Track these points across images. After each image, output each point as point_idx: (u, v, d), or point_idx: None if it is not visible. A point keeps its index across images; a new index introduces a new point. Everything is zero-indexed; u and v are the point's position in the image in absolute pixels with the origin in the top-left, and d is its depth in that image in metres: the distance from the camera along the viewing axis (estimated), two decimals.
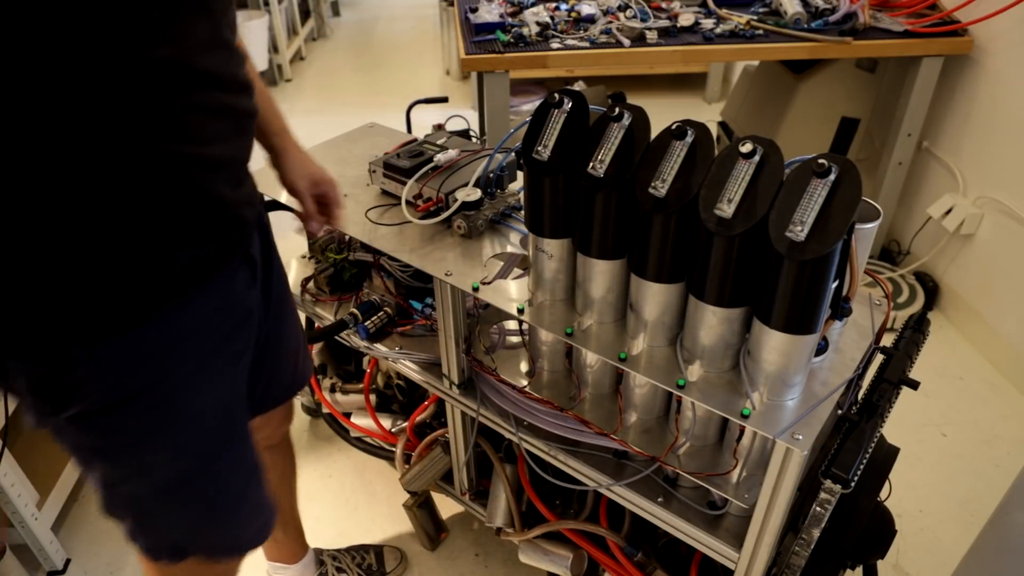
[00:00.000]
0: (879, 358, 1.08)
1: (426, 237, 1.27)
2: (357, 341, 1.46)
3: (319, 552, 1.57)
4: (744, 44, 2.14)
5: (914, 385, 1.02)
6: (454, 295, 1.20)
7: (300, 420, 2.02)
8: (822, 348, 0.98)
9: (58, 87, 0.63)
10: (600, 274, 1.00)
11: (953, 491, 1.80)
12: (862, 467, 0.90)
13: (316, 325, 1.59)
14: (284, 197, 1.44)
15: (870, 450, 0.94)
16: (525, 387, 1.19)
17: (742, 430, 0.99)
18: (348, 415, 1.74)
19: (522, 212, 1.30)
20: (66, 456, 1.68)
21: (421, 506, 1.64)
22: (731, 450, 1.02)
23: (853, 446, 0.91)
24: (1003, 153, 2.11)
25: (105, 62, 0.65)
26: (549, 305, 1.09)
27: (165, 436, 0.87)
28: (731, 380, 0.94)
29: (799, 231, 0.75)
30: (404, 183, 1.31)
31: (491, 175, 1.30)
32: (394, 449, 1.63)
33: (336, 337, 1.48)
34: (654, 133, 0.90)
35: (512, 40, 2.12)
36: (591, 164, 0.90)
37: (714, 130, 2.96)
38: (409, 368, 1.42)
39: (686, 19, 2.21)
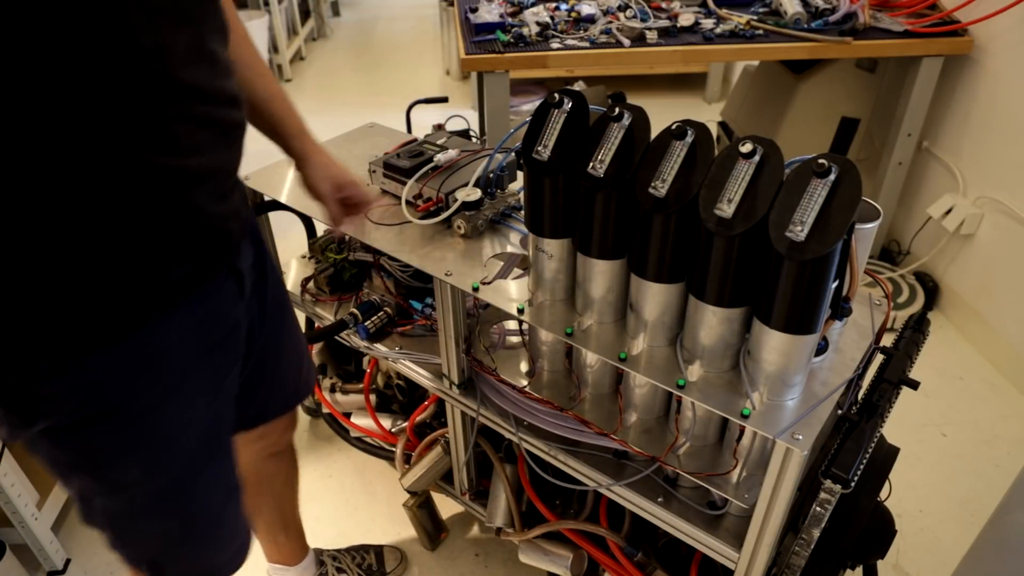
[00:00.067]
0: (879, 358, 1.08)
1: (426, 237, 1.27)
2: (357, 341, 1.46)
3: (319, 552, 1.57)
4: (744, 44, 2.14)
5: (914, 385, 1.02)
6: (454, 295, 1.20)
7: (300, 420, 2.02)
8: (822, 348, 0.98)
9: (30, 96, 0.61)
10: (600, 274, 1.00)
11: (953, 491, 1.80)
12: (862, 467, 0.90)
13: (316, 325, 1.59)
14: (296, 204, 1.44)
15: (870, 450, 0.94)
16: (525, 387, 1.19)
17: (742, 430, 0.99)
18: (348, 415, 1.74)
19: (522, 212, 1.30)
20: None
21: (421, 506, 1.64)
22: (731, 450, 1.02)
23: (853, 446, 0.91)
24: (1003, 153, 2.11)
25: (80, 73, 0.63)
26: (549, 305, 1.09)
27: (140, 454, 0.85)
28: (731, 380, 0.94)
29: (799, 231, 0.75)
30: (404, 183, 1.32)
31: (491, 175, 1.30)
32: (394, 449, 1.63)
33: (336, 337, 1.48)
34: (654, 133, 0.90)
35: (512, 40, 2.12)
36: (591, 164, 0.90)
37: (714, 130, 2.96)
38: (409, 368, 1.42)
39: (686, 19, 2.21)
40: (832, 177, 0.76)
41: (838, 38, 2.09)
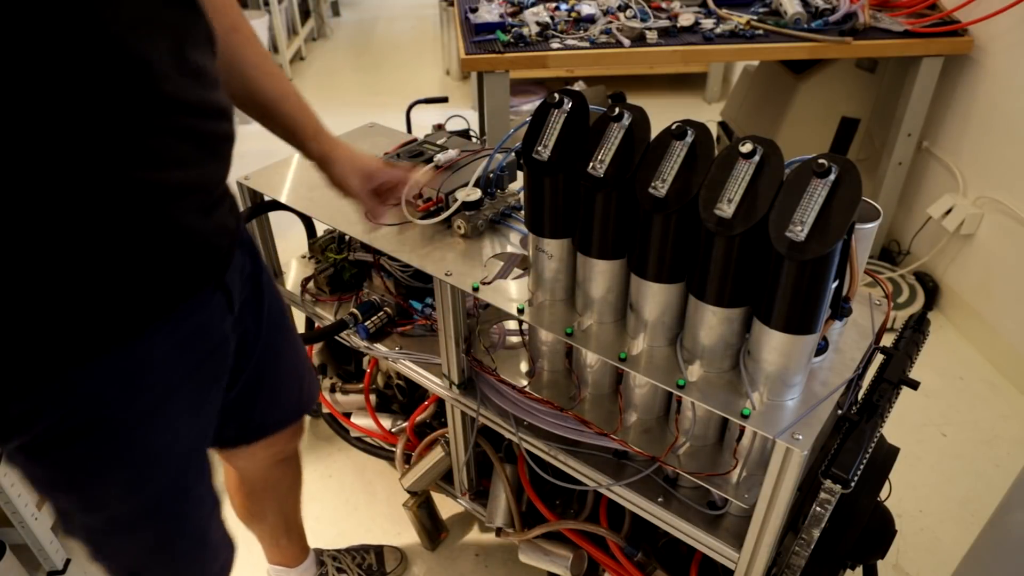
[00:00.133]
0: (879, 358, 1.08)
1: (426, 237, 1.27)
2: (357, 341, 1.46)
3: (319, 552, 1.57)
4: (744, 44, 2.14)
5: (914, 385, 1.02)
6: (454, 295, 1.20)
7: None
8: (822, 348, 0.98)
9: (4, 106, 0.60)
10: (600, 274, 1.00)
11: (953, 491, 1.80)
12: (862, 467, 0.90)
13: (316, 325, 1.59)
14: (296, 204, 1.44)
15: (870, 450, 0.94)
16: (525, 387, 1.19)
17: (742, 430, 0.99)
18: (348, 415, 1.74)
19: (522, 212, 1.30)
20: None
21: (421, 506, 1.64)
22: (731, 450, 1.02)
23: (853, 446, 0.91)
24: (1003, 153, 2.11)
25: (59, 84, 0.61)
26: (549, 305, 1.09)
27: (120, 473, 0.84)
28: (731, 380, 0.94)
29: (799, 231, 0.75)
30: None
31: (491, 175, 1.30)
32: (394, 449, 1.63)
33: (336, 337, 1.48)
34: (654, 133, 0.90)
35: (512, 40, 2.12)
36: (591, 164, 0.90)
37: (714, 130, 2.96)
38: (409, 368, 1.42)
39: (686, 19, 2.21)
40: (832, 177, 0.76)
41: (838, 38, 2.09)
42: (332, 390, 1.74)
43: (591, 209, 0.94)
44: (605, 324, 1.05)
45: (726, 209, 0.80)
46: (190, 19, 0.73)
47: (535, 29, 2.17)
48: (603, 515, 1.30)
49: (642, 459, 1.11)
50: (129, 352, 0.77)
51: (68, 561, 1.66)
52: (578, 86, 3.56)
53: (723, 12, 2.28)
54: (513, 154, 1.33)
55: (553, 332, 1.06)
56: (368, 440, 1.73)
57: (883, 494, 1.10)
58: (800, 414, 0.89)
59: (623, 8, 2.28)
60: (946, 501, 1.78)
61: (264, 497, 1.33)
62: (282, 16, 4.34)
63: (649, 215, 0.87)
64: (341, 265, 1.55)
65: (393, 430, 1.65)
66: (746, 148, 0.81)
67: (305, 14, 5.04)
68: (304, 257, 1.71)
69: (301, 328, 1.76)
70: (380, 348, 1.44)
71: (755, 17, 2.23)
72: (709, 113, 3.77)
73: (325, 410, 1.76)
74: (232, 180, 1.46)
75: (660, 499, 1.11)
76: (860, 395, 1.05)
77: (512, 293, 1.13)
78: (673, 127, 0.86)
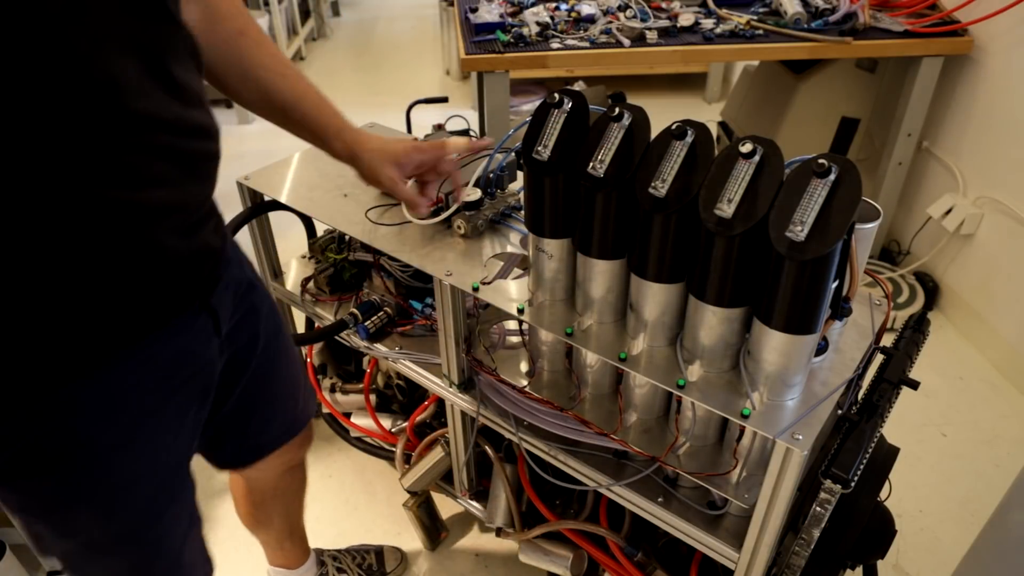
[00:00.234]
0: (879, 358, 1.08)
1: (426, 237, 1.27)
2: (357, 341, 1.46)
3: (320, 552, 1.57)
4: (744, 44, 2.14)
5: (914, 385, 1.02)
6: (454, 295, 1.20)
7: None
8: (822, 348, 0.98)
9: None
10: (600, 274, 1.00)
11: (953, 491, 1.80)
12: (862, 467, 0.90)
13: (316, 325, 1.59)
14: (296, 204, 1.44)
15: (870, 450, 0.94)
16: (525, 387, 1.19)
17: (742, 430, 0.99)
18: (348, 415, 1.74)
19: (522, 212, 1.30)
20: None
21: (421, 506, 1.64)
22: (731, 450, 1.02)
23: (853, 446, 0.91)
24: (1003, 153, 2.11)
25: (24, 103, 0.59)
26: (549, 305, 1.09)
27: (93, 502, 0.81)
28: (731, 380, 0.94)
29: (799, 231, 0.75)
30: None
31: (491, 175, 1.30)
32: (394, 449, 1.63)
33: (336, 337, 1.48)
34: (654, 133, 0.90)
35: (512, 40, 2.12)
36: (591, 164, 0.90)
37: (714, 130, 2.96)
38: (409, 368, 1.42)
39: (686, 19, 2.21)
40: (832, 177, 0.76)
41: (838, 38, 2.09)
42: (332, 390, 1.74)
43: (591, 209, 0.94)
44: (605, 324, 1.05)
45: (726, 209, 0.80)
46: (166, 33, 0.70)
47: (535, 29, 2.17)
48: (603, 515, 1.30)
49: (642, 459, 1.11)
50: (104, 378, 0.75)
51: None
52: (578, 86, 3.56)
53: (723, 12, 2.28)
54: (513, 154, 1.33)
55: (553, 332, 1.06)
56: (368, 440, 1.73)
57: (883, 494, 1.10)
58: (800, 414, 0.89)
59: (623, 8, 2.28)
60: (946, 501, 1.78)
61: (272, 504, 1.33)
62: (282, 16, 4.34)
63: (649, 215, 0.87)
64: (341, 265, 1.55)
65: (393, 430, 1.65)
66: (746, 148, 0.81)
67: (305, 14, 5.04)
68: (304, 257, 1.71)
69: (301, 328, 1.77)
70: (380, 348, 1.44)
71: (755, 17, 2.23)
72: (709, 113, 3.77)
73: (325, 410, 1.76)
74: (232, 181, 1.47)
75: (660, 499, 1.11)
76: (860, 395, 1.05)
77: (512, 293, 1.13)
78: (673, 127, 0.86)
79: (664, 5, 2.31)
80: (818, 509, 0.94)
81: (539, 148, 0.94)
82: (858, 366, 0.98)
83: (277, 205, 1.48)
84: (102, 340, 0.73)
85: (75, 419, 0.75)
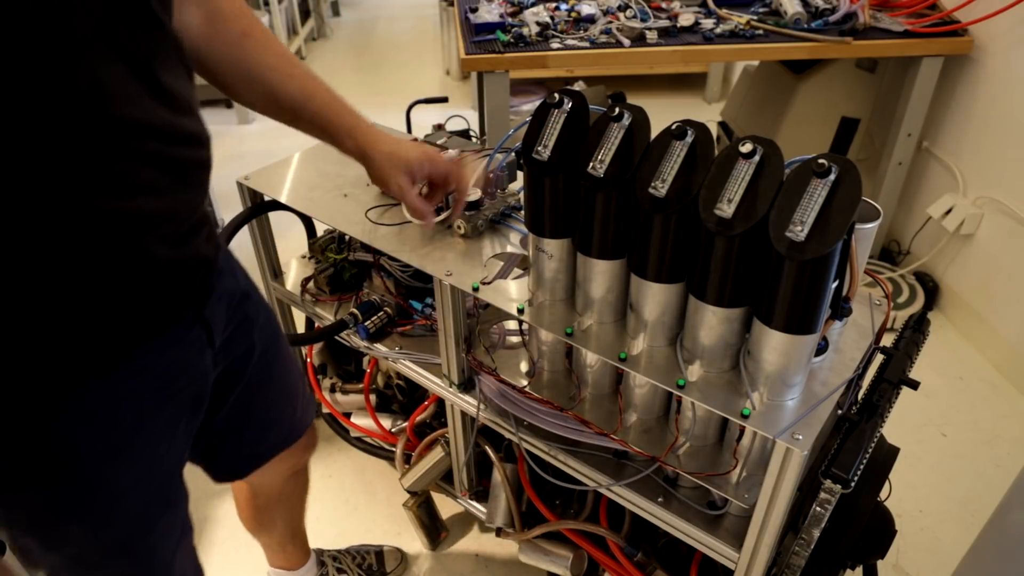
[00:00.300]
0: (879, 358, 1.07)
1: (426, 237, 1.27)
2: (357, 341, 1.46)
3: (320, 553, 1.57)
4: (744, 44, 2.14)
5: (914, 385, 1.02)
6: (454, 295, 1.20)
7: None
8: (822, 348, 0.98)
9: None
10: (600, 274, 1.00)
11: (953, 491, 1.80)
12: (862, 467, 0.90)
13: (316, 325, 1.59)
14: (296, 204, 1.44)
15: (870, 450, 0.94)
16: (525, 387, 1.19)
17: (742, 430, 0.99)
18: (348, 415, 1.74)
19: (522, 212, 1.30)
20: None
21: (421, 506, 1.64)
22: (731, 450, 1.02)
23: (853, 446, 0.91)
24: (1003, 153, 2.11)
25: (6, 110, 0.58)
26: (549, 305, 1.09)
27: (83, 514, 0.80)
28: (731, 380, 0.94)
29: (799, 231, 0.75)
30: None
31: (491, 175, 1.30)
32: (394, 449, 1.63)
33: (336, 337, 1.48)
34: (654, 133, 0.90)
35: (512, 40, 2.12)
36: (591, 164, 0.90)
37: (714, 130, 2.96)
38: (409, 368, 1.42)
39: (686, 19, 2.21)
40: (832, 177, 0.76)
41: (838, 38, 2.09)
42: (332, 390, 1.74)
43: (591, 209, 0.94)
44: (605, 324, 1.05)
45: (726, 209, 0.80)
46: (154, 39, 0.68)
47: (535, 29, 2.17)
48: (603, 515, 1.30)
49: (642, 459, 1.11)
50: (100, 386, 0.74)
51: None
52: (578, 86, 3.56)
53: (723, 12, 2.28)
54: (513, 154, 1.33)
55: (553, 332, 1.06)
56: (368, 440, 1.73)
57: (883, 494, 1.10)
58: (800, 414, 0.89)
59: (623, 8, 2.28)
60: (946, 501, 1.78)
61: (276, 509, 1.32)
62: (282, 16, 4.34)
63: (649, 215, 0.87)
64: (341, 265, 1.55)
65: (393, 430, 1.65)
66: (746, 148, 0.81)
67: (305, 14, 5.04)
68: (304, 257, 1.71)
69: (301, 328, 1.77)
70: (380, 348, 1.44)
71: (755, 17, 2.23)
72: (709, 113, 3.77)
73: (325, 410, 1.76)
74: (232, 181, 1.47)
75: (660, 499, 1.11)
76: (860, 395, 1.05)
77: (512, 293, 1.13)
78: (673, 127, 0.86)
79: (664, 5, 2.31)
80: (818, 509, 0.94)
81: (539, 148, 0.94)
82: (858, 366, 0.98)
83: (277, 205, 1.48)
84: (96, 349, 0.72)
85: (71, 428, 0.74)
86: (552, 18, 2.24)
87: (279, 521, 1.36)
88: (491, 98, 2.15)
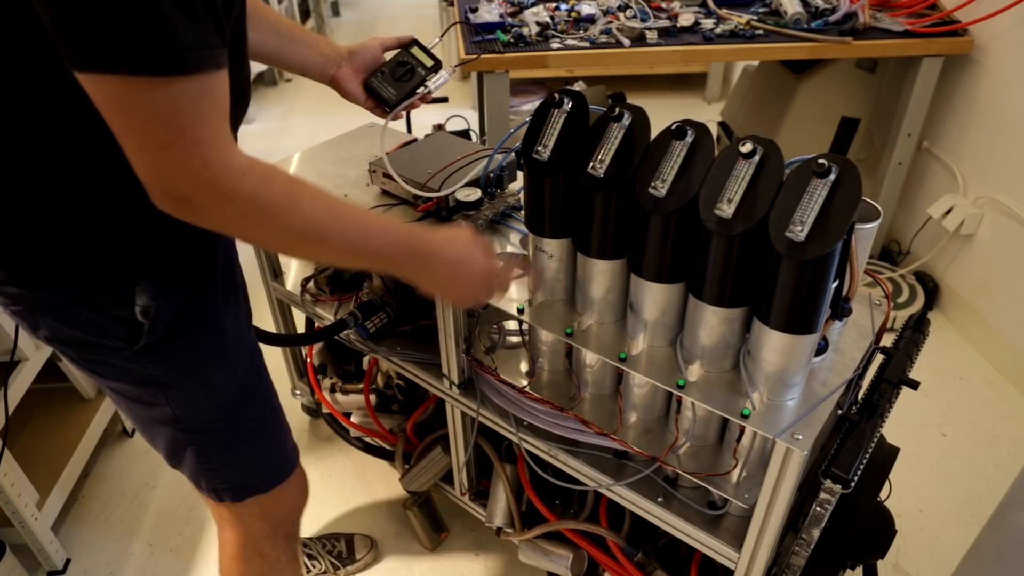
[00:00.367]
0: (879, 358, 1.07)
1: None
2: (357, 341, 1.46)
3: None
4: (744, 44, 2.14)
5: (914, 385, 1.02)
6: None
7: (300, 420, 2.02)
8: (822, 348, 0.98)
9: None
10: (600, 274, 1.00)
11: (953, 491, 1.80)
12: (862, 467, 0.90)
13: (316, 325, 1.59)
14: None
15: (870, 450, 0.94)
16: (525, 387, 1.19)
17: (742, 430, 0.99)
18: (348, 415, 1.74)
19: (522, 212, 1.30)
20: (66, 455, 1.68)
21: (421, 506, 1.64)
22: (731, 450, 1.02)
23: (853, 446, 0.91)
24: (1003, 153, 2.11)
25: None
26: (549, 305, 1.09)
27: (219, 356, 0.95)
28: (731, 380, 0.94)
29: (799, 231, 0.75)
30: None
31: (491, 175, 1.30)
32: (394, 449, 1.63)
33: (336, 337, 1.48)
34: (654, 133, 0.90)
35: (512, 40, 2.12)
36: (591, 164, 0.90)
37: (714, 130, 2.96)
38: (409, 368, 1.42)
39: (686, 19, 2.21)
40: (832, 177, 0.76)
41: (838, 38, 2.09)
42: (332, 390, 1.74)
43: (591, 209, 0.94)
44: (605, 324, 1.05)
45: (726, 209, 0.80)
46: None
47: (535, 29, 2.17)
48: (603, 515, 1.30)
49: (642, 459, 1.11)
50: (211, 261, 0.92)
51: (68, 561, 1.67)
52: (578, 86, 3.57)
53: (723, 12, 2.28)
54: (513, 154, 1.33)
55: (553, 332, 1.06)
56: (368, 440, 1.73)
57: (883, 494, 1.10)
58: (800, 414, 0.89)
59: (623, 8, 2.28)
60: (946, 501, 1.78)
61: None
62: None
63: (649, 215, 0.87)
64: None
65: (393, 430, 1.65)
66: (746, 148, 0.81)
67: (305, 14, 5.04)
68: None
69: (301, 328, 1.77)
70: (380, 348, 1.44)
71: (755, 17, 2.23)
72: (709, 113, 3.77)
73: (325, 410, 1.76)
74: None
75: (660, 499, 1.11)
76: (860, 395, 1.05)
77: (512, 293, 1.13)
78: (673, 127, 0.86)
79: (664, 5, 2.31)
80: (818, 509, 0.94)
81: (539, 148, 0.94)
82: (858, 366, 0.98)
83: None
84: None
85: (197, 288, 0.90)
86: (552, 18, 2.24)
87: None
88: (491, 98, 2.15)
